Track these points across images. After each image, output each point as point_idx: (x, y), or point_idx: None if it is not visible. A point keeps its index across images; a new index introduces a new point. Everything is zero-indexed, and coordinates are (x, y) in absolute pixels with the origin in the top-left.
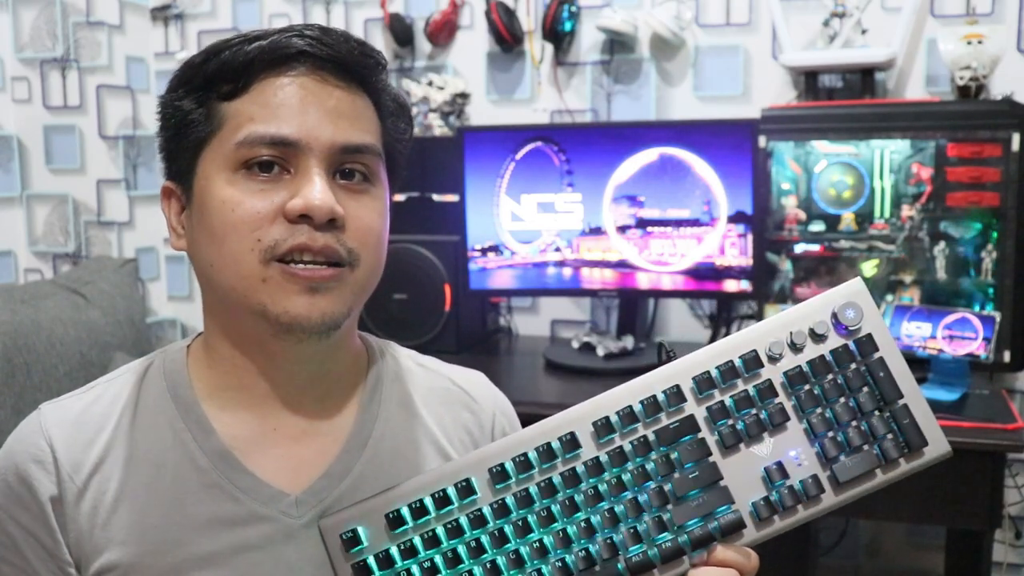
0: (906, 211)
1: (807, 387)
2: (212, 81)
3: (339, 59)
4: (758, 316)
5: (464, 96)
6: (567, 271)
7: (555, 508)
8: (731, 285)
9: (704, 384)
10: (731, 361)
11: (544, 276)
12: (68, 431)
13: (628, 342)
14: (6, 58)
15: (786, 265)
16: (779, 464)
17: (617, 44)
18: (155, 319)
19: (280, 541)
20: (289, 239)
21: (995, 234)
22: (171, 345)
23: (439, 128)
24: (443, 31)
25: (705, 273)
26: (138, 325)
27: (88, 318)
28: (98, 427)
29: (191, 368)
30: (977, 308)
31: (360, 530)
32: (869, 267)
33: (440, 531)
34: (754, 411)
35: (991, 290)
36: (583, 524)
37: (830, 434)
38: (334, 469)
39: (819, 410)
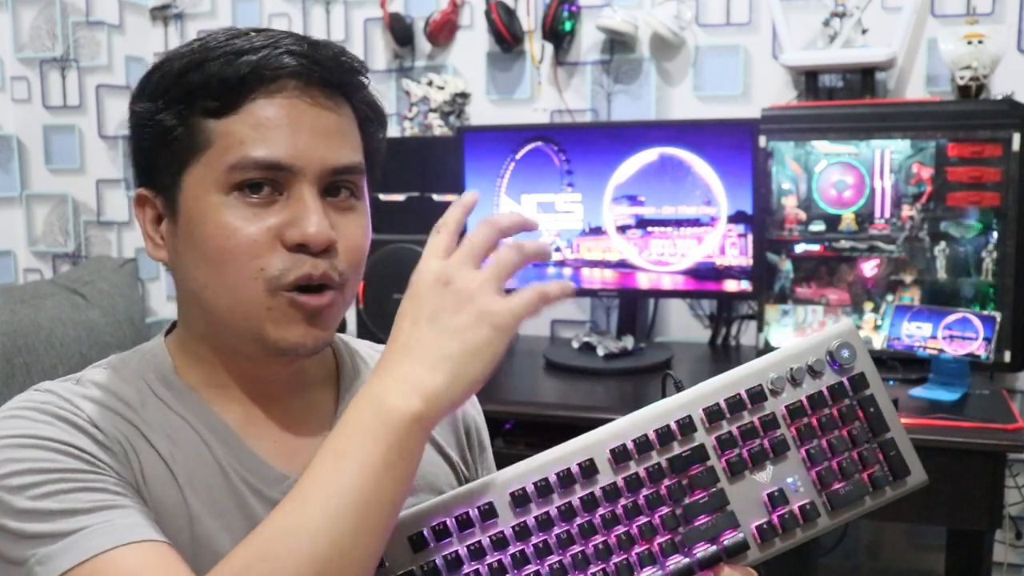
0: (906, 211)
1: (806, 420)
2: (195, 95)
3: (328, 78)
4: (758, 316)
5: (464, 96)
6: (567, 271)
7: (574, 530)
8: (731, 285)
9: (714, 415)
10: (738, 394)
11: (544, 276)
12: (89, 406)
13: (628, 342)
14: (6, 58)
15: (786, 265)
16: (780, 490)
17: (617, 44)
18: (154, 319)
19: None
20: (293, 270)
21: (996, 234)
22: (143, 345)
23: (439, 128)
24: (443, 31)
25: (705, 273)
26: (138, 325)
27: (88, 318)
28: (110, 404)
29: (176, 364)
30: (977, 308)
31: (383, 552)
32: (869, 267)
33: (463, 552)
34: (758, 441)
35: (992, 290)
36: (600, 546)
37: (825, 463)
38: None
39: (816, 441)
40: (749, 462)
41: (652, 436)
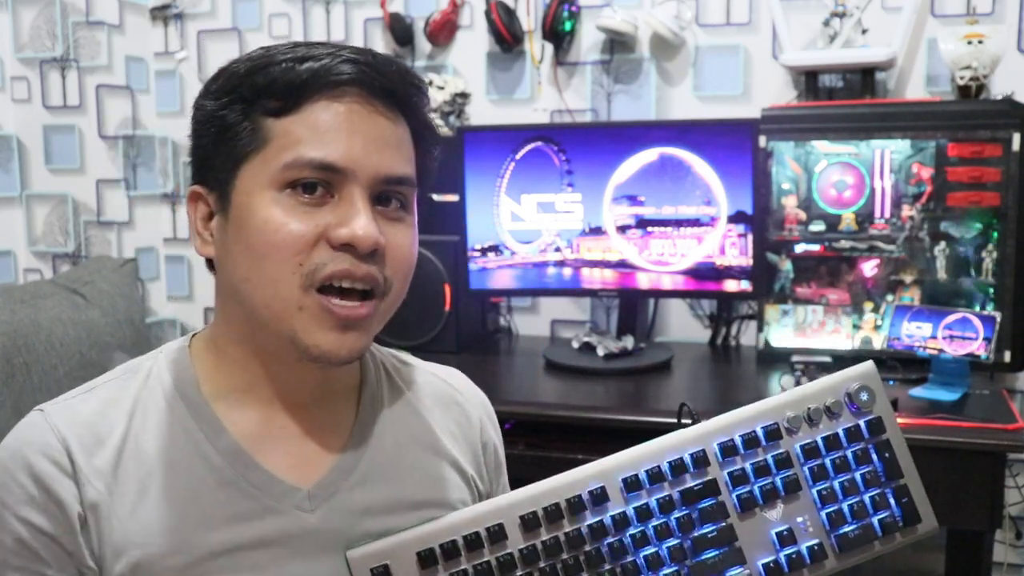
0: (906, 211)
1: (820, 460)
2: (259, 95)
3: (388, 88)
4: (758, 316)
5: (464, 96)
6: (567, 271)
7: (581, 557)
8: (731, 285)
9: (728, 450)
10: (754, 431)
11: (544, 276)
12: (80, 432)
13: (628, 342)
14: (6, 58)
15: (786, 265)
16: (789, 529)
17: (617, 44)
18: (155, 319)
19: (295, 534)
20: (331, 264)
21: (995, 234)
22: (167, 345)
23: (439, 128)
24: (443, 31)
25: (705, 273)
26: (138, 325)
27: (88, 318)
28: (108, 428)
29: (196, 368)
30: (977, 308)
31: (391, 565)
32: (869, 267)
33: (470, 572)
34: (771, 479)
35: (991, 290)
36: (607, 574)
37: (836, 505)
38: (342, 464)
39: (829, 482)
40: (760, 499)
41: (665, 467)
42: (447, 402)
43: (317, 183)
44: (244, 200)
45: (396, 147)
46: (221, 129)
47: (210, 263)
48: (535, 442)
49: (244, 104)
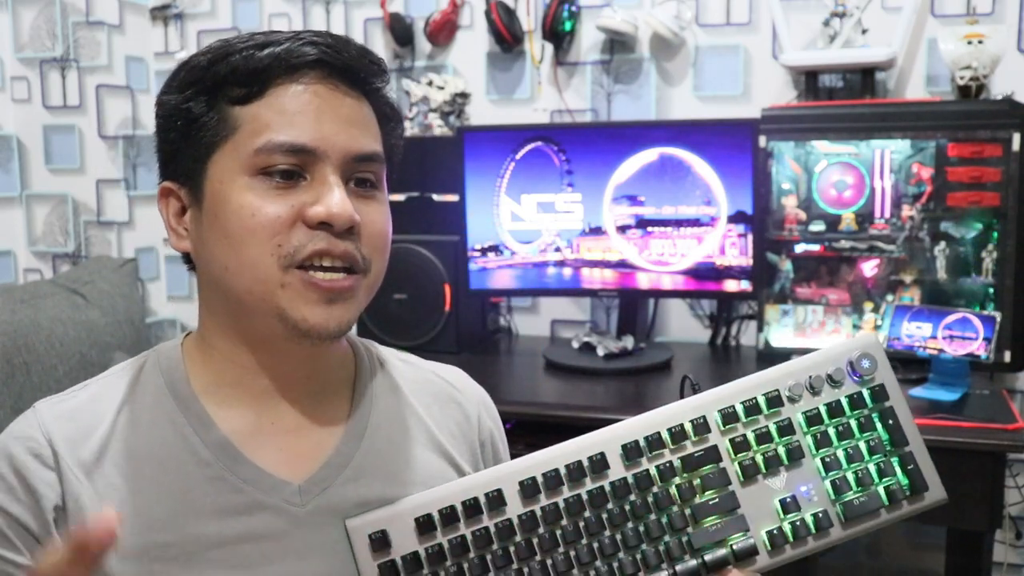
0: (906, 211)
1: (823, 428)
2: (222, 84)
3: (349, 68)
4: (758, 316)
5: (464, 96)
6: (567, 271)
7: (581, 524)
8: (731, 285)
9: (729, 418)
10: (755, 398)
11: (544, 276)
12: (66, 426)
13: (628, 342)
14: (6, 58)
15: (786, 265)
16: (793, 497)
17: (617, 44)
18: (155, 319)
19: (285, 529)
20: (309, 244)
21: (996, 234)
22: (164, 344)
23: (439, 128)
24: (443, 31)
25: (705, 273)
26: (137, 325)
27: (88, 318)
28: (96, 422)
29: (187, 365)
30: (977, 308)
31: (389, 531)
32: (869, 267)
33: (468, 538)
34: (773, 446)
35: (991, 290)
36: (607, 541)
37: (841, 473)
38: (334, 459)
39: (832, 450)
40: (763, 467)
41: (665, 434)
42: (446, 400)
43: (289, 168)
44: (217, 188)
45: (363, 125)
46: (187, 122)
47: (187, 259)
48: (535, 442)
49: (208, 95)
